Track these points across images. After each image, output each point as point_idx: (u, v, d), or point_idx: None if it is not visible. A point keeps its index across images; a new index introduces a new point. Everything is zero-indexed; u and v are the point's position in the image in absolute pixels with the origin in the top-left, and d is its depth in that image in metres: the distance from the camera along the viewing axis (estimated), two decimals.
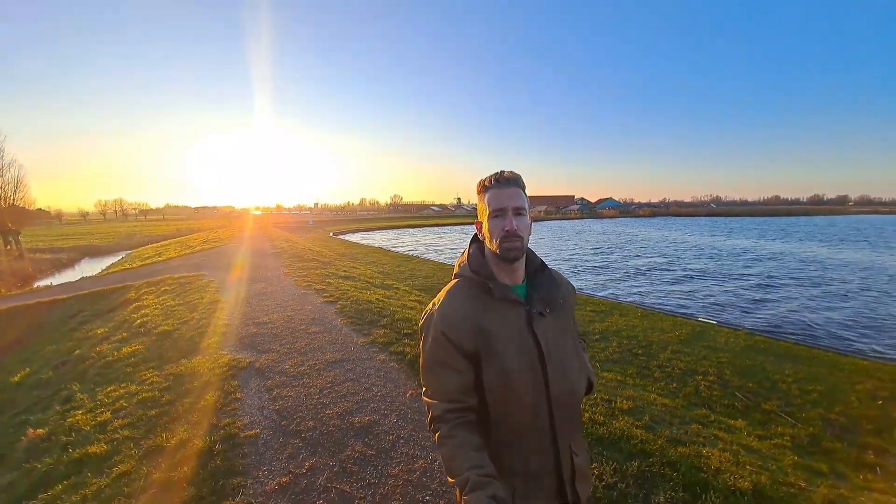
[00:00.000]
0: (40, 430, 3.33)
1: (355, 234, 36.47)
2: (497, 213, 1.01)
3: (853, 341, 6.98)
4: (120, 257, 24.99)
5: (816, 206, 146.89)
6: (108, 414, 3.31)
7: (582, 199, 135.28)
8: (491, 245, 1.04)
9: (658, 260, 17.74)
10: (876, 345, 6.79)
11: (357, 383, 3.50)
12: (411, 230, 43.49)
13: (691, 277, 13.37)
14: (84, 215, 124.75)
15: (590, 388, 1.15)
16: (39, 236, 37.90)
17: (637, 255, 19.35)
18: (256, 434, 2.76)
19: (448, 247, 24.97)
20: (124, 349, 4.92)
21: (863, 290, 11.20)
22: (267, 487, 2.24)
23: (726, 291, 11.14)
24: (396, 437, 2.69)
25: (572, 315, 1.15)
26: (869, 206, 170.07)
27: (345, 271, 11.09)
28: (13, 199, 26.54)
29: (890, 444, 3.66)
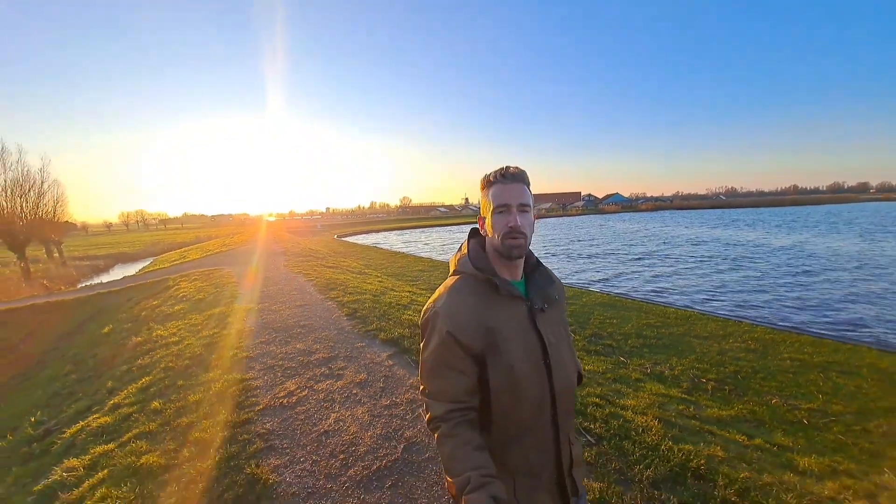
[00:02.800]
0: (139, 339, 6.13)
1: (358, 236, 39.46)
2: (501, 209, 1.01)
3: (687, 300, 9.43)
4: (149, 262, 28.34)
5: (830, 196, 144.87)
6: (174, 329, 6.10)
7: (589, 195, 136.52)
8: (493, 241, 1.05)
9: (604, 245, 20.14)
10: (703, 304, 9.22)
11: (309, 312, 6.22)
12: (412, 231, 46.35)
13: (631, 258, 15.78)
14: (108, 226, 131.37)
15: (580, 380, 1.18)
16: (73, 246, 41.87)
17: (590, 244, 21.73)
18: (253, 329, 5.50)
19: (435, 244, 27.71)
20: (176, 307, 7.75)
21: (739, 264, 13.50)
22: (257, 342, 4.96)
23: (636, 267, 13.58)
24: (320, 327, 5.41)
25: (565, 309, 1.19)
26: (885, 193, 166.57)
27: (332, 263, 13.87)
28: (54, 215, 30.18)
29: (626, 346, 6.15)
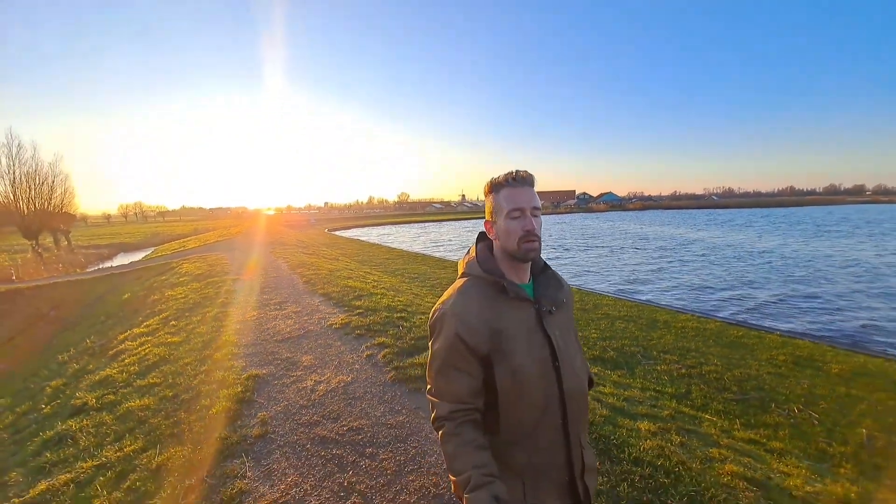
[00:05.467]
0: (155, 297, 8.55)
1: (349, 230, 41.86)
2: (516, 214, 1.05)
3: (594, 283, 11.90)
4: (150, 251, 30.63)
5: (817, 198, 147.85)
6: (180, 291, 8.52)
7: (584, 193, 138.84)
8: (508, 245, 1.07)
9: (556, 238, 22.62)
10: (599, 286, 11.67)
11: (278, 280, 8.66)
12: (403, 226, 48.75)
13: (566, 249, 18.24)
14: (107, 218, 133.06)
15: (590, 384, 1.20)
16: (75, 236, 44.00)
17: (544, 237, 24.21)
18: (235, 289, 7.92)
19: (413, 237, 30.15)
20: (180, 279, 10.17)
21: (657, 254, 15.98)
22: (237, 295, 7.39)
23: (555, 254, 16.05)
24: (282, 287, 7.85)
25: (573, 313, 1.21)
26: (878, 195, 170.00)
27: (312, 252, 16.27)
28: (62, 207, 32.37)
29: None
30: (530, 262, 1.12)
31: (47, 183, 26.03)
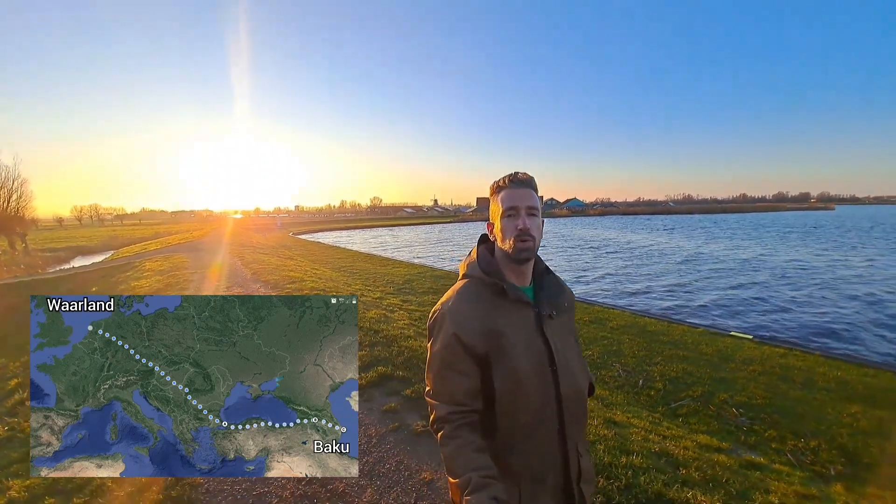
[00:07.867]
0: (122, 287, 10.12)
1: (315, 234, 42.98)
2: (510, 213, 1.07)
3: None
4: (110, 254, 30.86)
5: (765, 204, 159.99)
6: (146, 282, 10.15)
7: (552, 199, 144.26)
8: (503, 245, 1.09)
9: None
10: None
11: (231, 273, 10.47)
12: (369, 230, 50.22)
13: None
14: (60, 221, 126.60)
15: (591, 391, 1.20)
16: (29, 240, 42.95)
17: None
18: (193, 280, 9.65)
19: (361, 238, 32.00)
20: (144, 274, 11.71)
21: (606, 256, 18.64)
22: (195, 284, 9.14)
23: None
24: (232, 277, 9.67)
25: (573, 318, 1.22)
26: (814, 202, 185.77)
27: (270, 252, 17.89)
28: (17, 210, 32.10)
29: (420, 294, 10.65)
30: (531, 265, 1.15)
31: (6, 187, 26.25)
